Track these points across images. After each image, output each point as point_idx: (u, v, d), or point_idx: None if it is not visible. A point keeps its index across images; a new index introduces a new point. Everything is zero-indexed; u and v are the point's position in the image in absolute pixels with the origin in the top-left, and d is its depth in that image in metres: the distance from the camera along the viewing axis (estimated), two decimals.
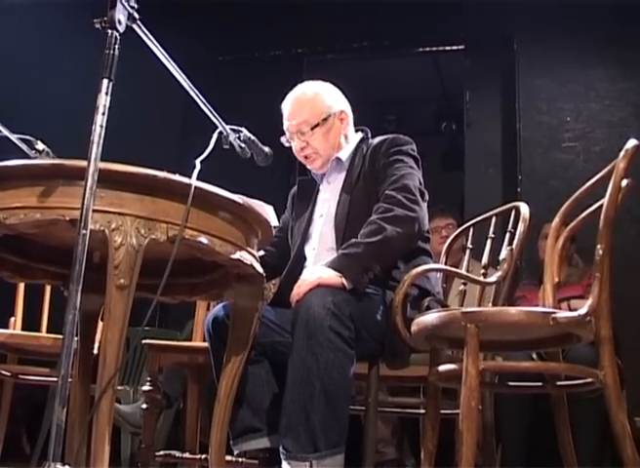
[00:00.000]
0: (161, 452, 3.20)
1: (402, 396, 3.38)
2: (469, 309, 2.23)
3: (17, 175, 1.97)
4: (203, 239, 2.08)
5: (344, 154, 2.95)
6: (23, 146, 2.64)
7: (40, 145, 2.64)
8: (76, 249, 1.77)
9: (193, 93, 2.35)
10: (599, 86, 5.56)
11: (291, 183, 3.54)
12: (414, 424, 3.58)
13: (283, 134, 2.96)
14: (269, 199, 3.01)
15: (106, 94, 1.86)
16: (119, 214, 1.96)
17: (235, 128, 2.59)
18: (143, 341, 3.31)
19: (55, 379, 2.12)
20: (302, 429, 2.35)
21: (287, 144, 2.99)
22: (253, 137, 2.64)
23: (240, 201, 2.17)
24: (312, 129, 2.89)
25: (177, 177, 2.04)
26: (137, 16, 1.95)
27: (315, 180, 3.06)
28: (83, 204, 1.79)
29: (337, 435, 2.37)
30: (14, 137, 2.57)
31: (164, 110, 5.69)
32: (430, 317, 2.30)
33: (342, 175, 2.92)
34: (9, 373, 3.51)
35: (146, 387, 3.23)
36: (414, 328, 2.40)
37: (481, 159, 5.81)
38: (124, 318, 1.95)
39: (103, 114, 1.85)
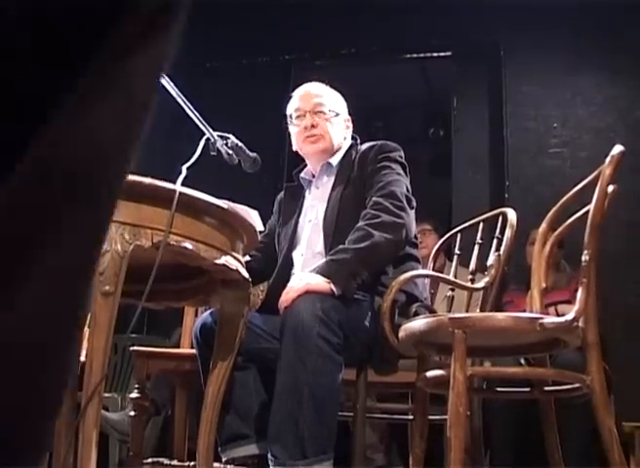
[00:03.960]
0: (149, 460, 3.18)
1: (390, 402, 3.37)
2: (457, 315, 2.23)
3: None
4: (188, 244, 2.07)
5: (335, 160, 2.96)
6: None
7: None
8: None
9: (180, 99, 2.35)
10: (586, 92, 5.58)
11: (278, 189, 3.53)
12: (402, 430, 3.58)
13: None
14: (257, 205, 3.01)
15: None
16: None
17: (223, 134, 2.59)
18: (131, 348, 3.29)
19: None
20: (291, 436, 2.34)
21: (291, 126, 3.01)
22: (240, 144, 2.63)
23: (225, 206, 2.16)
24: (328, 112, 2.93)
25: (161, 184, 2.03)
26: None
27: (302, 187, 3.07)
28: None
29: (325, 441, 2.37)
30: None
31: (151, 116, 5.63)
32: (418, 323, 2.30)
33: (331, 181, 2.93)
34: None
35: (134, 394, 3.21)
36: (401, 334, 2.40)
37: (468, 165, 5.82)
38: (109, 325, 1.93)
39: None
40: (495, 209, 3.09)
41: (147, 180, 2.01)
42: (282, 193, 3.16)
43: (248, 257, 2.87)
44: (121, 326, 1.96)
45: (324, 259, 2.63)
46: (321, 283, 2.48)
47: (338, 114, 3.00)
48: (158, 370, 3.42)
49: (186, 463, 3.10)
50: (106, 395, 3.86)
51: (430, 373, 2.39)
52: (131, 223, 1.97)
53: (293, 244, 2.93)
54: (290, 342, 2.39)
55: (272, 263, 2.97)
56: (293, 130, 3.03)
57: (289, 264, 2.91)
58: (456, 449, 2.06)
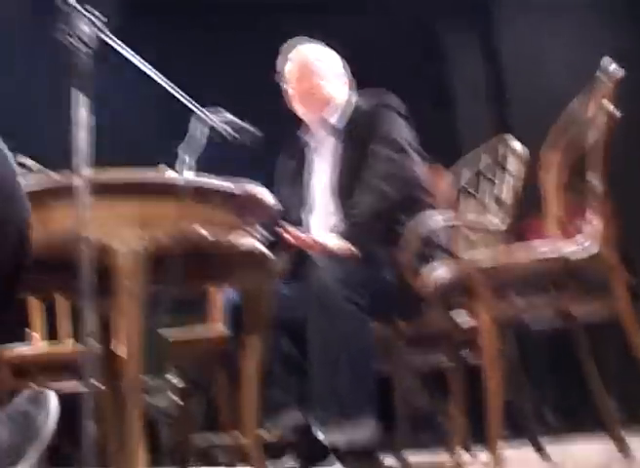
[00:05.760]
0: (198, 439, 3.24)
1: (425, 352, 3.39)
2: (478, 257, 2.23)
3: None
4: (202, 231, 2.09)
5: (334, 118, 2.95)
6: None
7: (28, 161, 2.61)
8: (81, 264, 1.78)
9: (162, 82, 2.30)
10: (581, 10, 5.48)
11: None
12: (441, 378, 3.61)
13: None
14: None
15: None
16: (116, 221, 1.97)
17: (213, 109, 2.56)
18: (166, 335, 3.33)
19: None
20: (332, 399, 2.39)
21: (283, 85, 2.99)
22: (233, 117, 2.60)
23: (233, 187, 2.17)
24: (321, 70, 2.92)
25: (165, 176, 2.05)
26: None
27: (303, 146, 3.05)
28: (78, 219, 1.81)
29: (366, 400, 2.41)
30: None
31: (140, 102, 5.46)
32: (440, 269, 2.31)
33: (334, 140, 2.92)
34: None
35: (173, 377, 3.26)
36: (425, 281, 2.41)
37: (468, 94, 5.77)
38: (138, 320, 1.97)
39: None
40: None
41: (151, 175, 2.04)
42: (281, 156, 3.14)
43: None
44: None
45: (337, 221, 2.66)
46: (339, 245, 2.51)
47: (332, 71, 2.97)
48: (195, 351, 3.46)
49: (234, 438, 3.16)
50: (146, 381, 3.90)
51: (458, 318, 2.41)
52: (142, 219, 2.00)
53: (306, 206, 2.94)
54: (317, 310, 2.43)
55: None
56: (285, 89, 3.01)
57: (304, 226, 2.92)
58: (493, 392, 2.09)
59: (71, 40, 1.86)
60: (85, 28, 1.88)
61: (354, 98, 2.99)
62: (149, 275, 1.99)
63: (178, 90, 2.35)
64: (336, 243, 2.52)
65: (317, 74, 2.94)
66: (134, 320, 1.96)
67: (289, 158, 3.11)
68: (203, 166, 2.38)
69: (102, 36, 1.95)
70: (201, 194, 2.11)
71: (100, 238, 1.93)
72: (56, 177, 2.00)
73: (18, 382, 3.23)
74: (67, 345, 3.36)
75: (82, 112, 1.85)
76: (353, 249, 2.51)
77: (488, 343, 2.12)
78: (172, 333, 3.33)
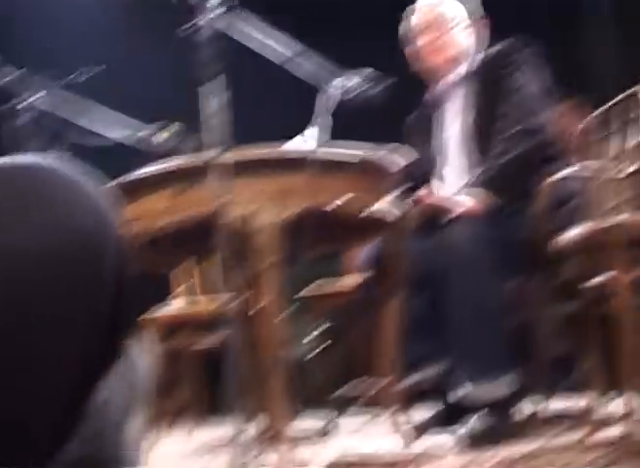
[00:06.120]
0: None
1: (561, 301, 3.37)
2: (613, 213, 2.21)
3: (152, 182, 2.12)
4: (337, 202, 2.16)
5: (463, 69, 2.92)
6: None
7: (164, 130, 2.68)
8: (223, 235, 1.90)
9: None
10: None
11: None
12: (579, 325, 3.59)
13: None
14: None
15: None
16: (254, 197, 2.06)
17: (344, 76, 2.59)
18: (305, 294, 3.46)
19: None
20: (472, 355, 2.45)
21: (407, 46, 2.99)
22: (365, 81, 2.62)
23: (364, 155, 2.23)
24: (447, 25, 2.90)
25: (298, 151, 2.12)
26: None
27: (430, 107, 3.04)
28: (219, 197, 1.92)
29: (503, 354, 2.46)
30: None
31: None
32: (575, 228, 2.30)
33: (463, 93, 2.90)
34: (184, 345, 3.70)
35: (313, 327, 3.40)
36: (559, 239, 2.40)
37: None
38: (278, 289, 2.08)
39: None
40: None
41: (286, 151, 2.12)
42: (411, 117, 3.14)
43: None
44: None
45: (471, 171, 2.68)
46: (474, 203, 2.53)
47: (459, 20, 2.94)
48: (334, 303, 3.57)
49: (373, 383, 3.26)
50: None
51: (595, 279, 2.39)
52: (277, 195, 2.08)
53: (439, 161, 2.94)
54: (451, 268, 2.46)
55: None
56: (410, 49, 2.99)
57: (440, 180, 2.93)
58: (628, 342, 2.08)
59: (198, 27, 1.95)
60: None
61: (485, 44, 2.95)
62: (287, 243, 2.09)
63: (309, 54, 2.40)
64: (468, 201, 2.54)
65: (444, 24, 2.91)
66: (274, 288, 2.05)
67: (419, 114, 3.11)
68: (338, 130, 2.42)
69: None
70: (333, 165, 2.18)
71: (240, 213, 2.03)
72: (198, 157, 2.10)
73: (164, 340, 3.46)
74: (209, 303, 3.53)
75: (216, 93, 1.94)
76: (486, 203, 2.52)
77: (622, 297, 2.11)
78: (311, 287, 3.46)
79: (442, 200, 2.62)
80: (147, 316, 3.48)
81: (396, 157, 2.39)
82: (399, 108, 2.84)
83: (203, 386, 3.86)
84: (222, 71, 1.95)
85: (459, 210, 2.53)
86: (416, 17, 2.97)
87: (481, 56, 2.91)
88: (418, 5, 2.99)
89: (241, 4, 2.11)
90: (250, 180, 2.07)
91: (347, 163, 2.21)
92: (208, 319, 3.42)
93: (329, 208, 2.16)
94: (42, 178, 0.69)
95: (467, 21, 2.98)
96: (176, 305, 3.66)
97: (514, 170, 2.60)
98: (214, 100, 1.95)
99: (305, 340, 4.24)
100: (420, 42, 2.93)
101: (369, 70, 2.56)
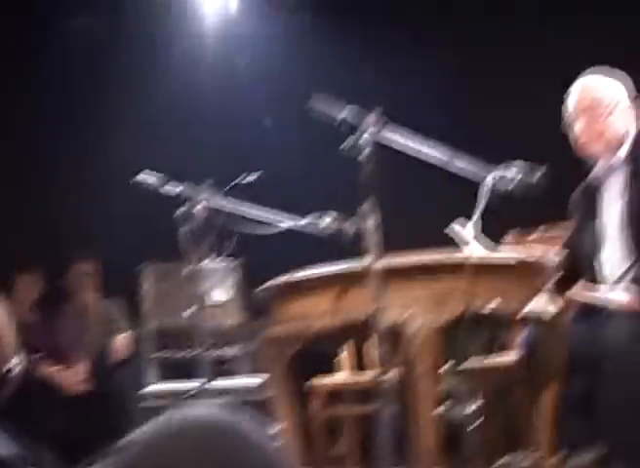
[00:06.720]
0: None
1: None
2: None
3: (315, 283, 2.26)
4: (491, 306, 2.22)
5: (623, 151, 2.89)
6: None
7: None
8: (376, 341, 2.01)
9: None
10: None
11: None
12: None
13: None
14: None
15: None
16: (409, 303, 2.16)
17: (501, 169, 2.65)
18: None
19: None
20: (629, 444, 2.45)
21: (567, 129, 2.98)
22: (520, 174, 2.66)
23: (514, 261, 2.28)
24: (606, 107, 2.88)
25: (456, 256, 2.20)
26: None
27: (596, 184, 3.02)
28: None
29: None
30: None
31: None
32: None
33: (622, 178, 2.87)
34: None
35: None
36: None
37: None
38: (432, 397, 2.16)
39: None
40: None
41: (442, 256, 2.20)
42: (576, 194, 3.12)
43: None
44: None
45: (630, 258, 2.67)
46: (631, 299, 2.52)
47: (617, 103, 2.89)
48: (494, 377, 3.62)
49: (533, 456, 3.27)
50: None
51: None
52: (435, 300, 2.16)
53: (597, 245, 2.92)
54: (610, 359, 2.47)
55: (582, 262, 2.98)
56: (571, 134, 2.98)
57: (595, 267, 2.92)
58: None
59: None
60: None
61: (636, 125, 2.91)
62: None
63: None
64: (625, 298, 2.53)
65: (600, 109, 2.87)
66: (429, 400, 2.14)
67: (583, 191, 3.09)
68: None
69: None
70: (490, 268, 2.24)
71: (395, 319, 2.13)
72: (357, 262, 2.22)
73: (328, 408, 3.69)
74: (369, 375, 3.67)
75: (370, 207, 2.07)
76: None
77: None
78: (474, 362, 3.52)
79: (595, 299, 2.61)
80: (315, 383, 3.68)
81: (551, 255, 2.43)
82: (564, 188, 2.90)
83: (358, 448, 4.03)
84: (376, 191, 2.07)
85: (613, 306, 2.52)
86: (572, 101, 2.95)
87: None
88: (574, 88, 2.96)
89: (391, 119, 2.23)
90: (404, 286, 2.16)
91: (503, 265, 2.27)
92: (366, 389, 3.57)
93: (484, 311, 2.22)
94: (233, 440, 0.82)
95: (627, 102, 2.93)
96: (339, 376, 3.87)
97: None
98: (370, 219, 2.07)
99: (465, 411, 4.28)
100: (577, 129, 2.91)
101: (522, 162, 2.62)
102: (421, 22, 5.27)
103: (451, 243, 2.45)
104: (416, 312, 2.14)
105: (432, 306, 2.15)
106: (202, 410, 0.85)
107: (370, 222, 2.08)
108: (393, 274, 2.13)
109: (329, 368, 4.15)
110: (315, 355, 3.81)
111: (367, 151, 2.13)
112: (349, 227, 2.73)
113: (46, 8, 5.12)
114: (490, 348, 4.14)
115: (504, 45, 5.19)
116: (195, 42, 5.38)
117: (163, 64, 5.22)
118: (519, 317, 2.34)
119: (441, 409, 3.95)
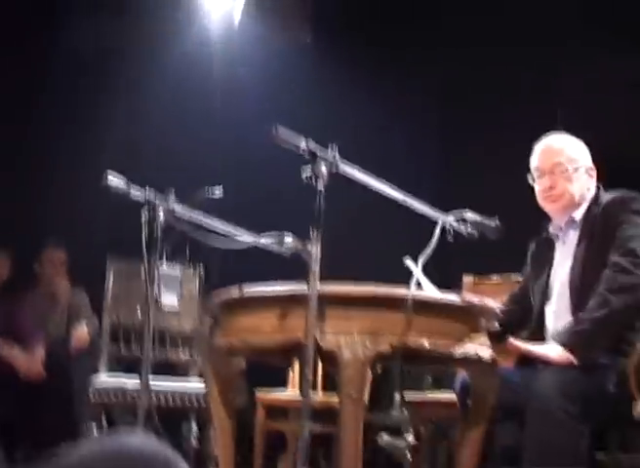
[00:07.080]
0: None
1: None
2: None
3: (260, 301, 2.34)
4: (425, 343, 2.30)
5: (579, 214, 2.97)
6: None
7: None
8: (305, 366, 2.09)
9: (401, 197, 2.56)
10: None
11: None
12: None
13: None
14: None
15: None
16: (345, 331, 2.24)
17: (458, 212, 2.74)
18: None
19: None
20: None
21: (531, 183, 3.06)
22: (478, 218, 2.75)
23: (458, 301, 2.36)
24: (568, 170, 2.95)
25: (396, 291, 2.28)
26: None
27: (552, 239, 3.11)
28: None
29: None
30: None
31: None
32: None
33: (576, 237, 2.95)
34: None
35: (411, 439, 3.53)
36: None
37: None
38: (358, 427, 2.22)
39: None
40: None
41: (382, 290, 2.28)
42: (533, 245, 3.22)
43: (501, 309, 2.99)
44: None
45: (570, 317, 2.75)
46: (562, 355, 2.59)
47: (578, 168, 2.98)
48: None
49: None
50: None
51: None
52: (370, 331, 2.24)
53: (545, 298, 3.01)
54: (533, 415, 2.54)
55: (529, 313, 3.07)
56: (535, 187, 3.07)
57: (542, 319, 3.00)
58: None
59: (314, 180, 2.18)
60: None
61: (600, 193, 2.99)
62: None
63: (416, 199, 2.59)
64: (556, 353, 2.61)
65: (564, 174, 2.95)
66: (353, 428, 2.21)
67: (538, 244, 3.18)
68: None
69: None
70: (428, 307, 2.32)
71: (331, 346, 2.21)
72: (296, 287, 2.30)
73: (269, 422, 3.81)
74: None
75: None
76: (572, 358, 2.58)
77: None
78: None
79: (531, 351, 2.69)
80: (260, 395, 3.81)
81: (492, 303, 2.51)
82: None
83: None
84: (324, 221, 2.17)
85: (547, 359, 2.61)
86: (534, 160, 3.03)
87: (595, 200, 2.96)
88: (538, 147, 3.04)
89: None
90: (342, 314, 2.25)
91: (445, 305, 2.35)
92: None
93: (421, 348, 2.30)
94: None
95: (588, 164, 3.00)
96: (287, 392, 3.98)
97: (601, 328, 2.64)
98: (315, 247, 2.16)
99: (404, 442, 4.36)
100: (539, 186, 3.00)
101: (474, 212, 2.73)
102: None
103: (401, 277, 2.54)
104: (349, 341, 2.22)
105: (367, 337, 2.23)
106: (138, 440, 0.92)
107: (314, 250, 2.17)
108: (333, 301, 2.22)
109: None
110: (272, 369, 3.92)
111: (323, 181, 2.23)
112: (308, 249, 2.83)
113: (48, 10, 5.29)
114: (434, 383, 4.25)
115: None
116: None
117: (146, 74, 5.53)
118: (456, 357, 2.41)
119: (384, 438, 4.08)
